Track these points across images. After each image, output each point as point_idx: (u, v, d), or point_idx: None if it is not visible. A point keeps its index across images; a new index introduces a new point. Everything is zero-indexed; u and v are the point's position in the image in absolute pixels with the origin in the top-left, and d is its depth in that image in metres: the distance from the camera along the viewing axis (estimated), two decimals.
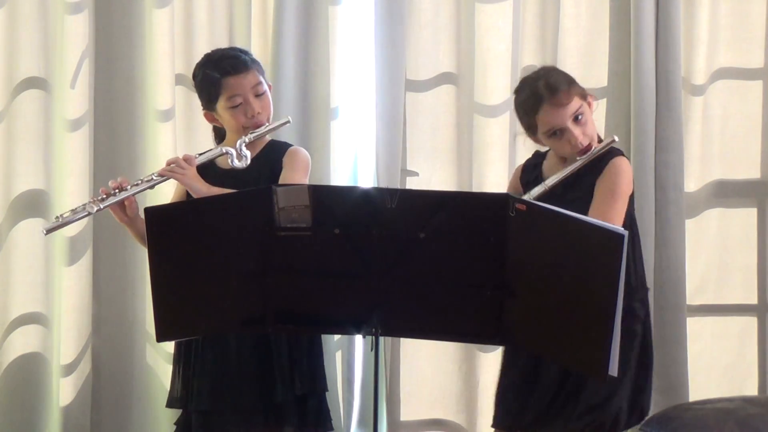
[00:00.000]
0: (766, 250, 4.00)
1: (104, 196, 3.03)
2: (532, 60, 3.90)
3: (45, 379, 3.93)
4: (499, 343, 3.05)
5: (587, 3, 3.93)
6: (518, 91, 3.18)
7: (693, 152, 3.94)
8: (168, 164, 3.08)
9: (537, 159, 3.26)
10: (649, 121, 3.83)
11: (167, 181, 3.11)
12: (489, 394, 3.89)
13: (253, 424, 3.07)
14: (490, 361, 3.89)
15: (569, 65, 3.88)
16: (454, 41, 3.94)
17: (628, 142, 3.87)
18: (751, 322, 4.02)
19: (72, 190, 3.85)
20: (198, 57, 3.87)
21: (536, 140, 3.18)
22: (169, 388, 3.19)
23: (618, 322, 2.39)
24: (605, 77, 3.92)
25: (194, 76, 3.23)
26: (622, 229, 2.41)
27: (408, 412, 3.95)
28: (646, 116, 3.83)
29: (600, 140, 3.15)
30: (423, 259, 2.63)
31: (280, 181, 3.05)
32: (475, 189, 3.86)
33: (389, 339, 3.81)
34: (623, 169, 3.09)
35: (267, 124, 3.14)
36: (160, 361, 3.91)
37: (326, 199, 2.67)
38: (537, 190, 3.11)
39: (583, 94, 3.12)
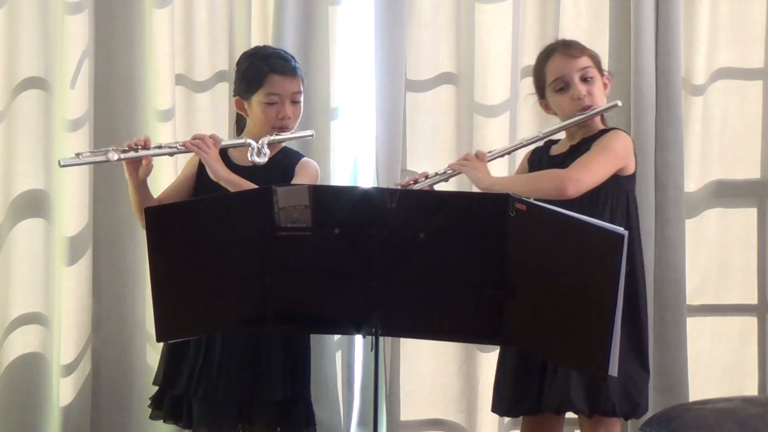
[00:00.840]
0: (766, 250, 4.00)
1: (126, 149, 3.07)
2: (532, 60, 3.87)
3: (45, 379, 3.93)
4: (499, 343, 3.05)
5: (587, 3, 3.93)
6: (540, 52, 3.28)
7: (693, 152, 3.94)
8: (194, 138, 3.13)
9: (548, 144, 3.29)
10: (649, 121, 3.83)
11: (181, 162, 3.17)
12: (489, 394, 3.90)
13: (224, 416, 3.10)
14: (490, 361, 3.88)
15: None
16: (454, 41, 3.94)
17: None
18: (751, 322, 4.02)
19: (72, 190, 3.84)
20: (198, 57, 3.92)
21: (545, 105, 3.23)
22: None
23: (618, 322, 2.40)
24: (609, 73, 3.92)
25: (239, 63, 3.29)
26: (622, 229, 2.41)
27: (408, 412, 3.95)
28: (646, 116, 3.83)
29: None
30: (423, 259, 2.63)
31: None
32: (475, 189, 3.86)
33: (389, 339, 3.81)
34: (622, 138, 3.14)
35: (292, 131, 3.20)
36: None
37: (326, 199, 2.67)
38: (530, 138, 3.21)
39: (598, 64, 3.20)
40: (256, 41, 3.84)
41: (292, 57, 3.31)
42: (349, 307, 2.70)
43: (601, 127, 3.20)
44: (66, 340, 3.86)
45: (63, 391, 3.85)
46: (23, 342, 3.94)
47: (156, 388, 3.26)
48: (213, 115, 3.91)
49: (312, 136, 3.31)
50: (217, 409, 3.10)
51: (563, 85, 3.15)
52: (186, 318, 2.73)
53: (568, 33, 3.88)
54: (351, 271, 2.66)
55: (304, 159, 3.25)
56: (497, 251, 2.57)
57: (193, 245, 2.69)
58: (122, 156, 3.07)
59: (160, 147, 3.12)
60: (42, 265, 3.94)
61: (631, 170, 3.15)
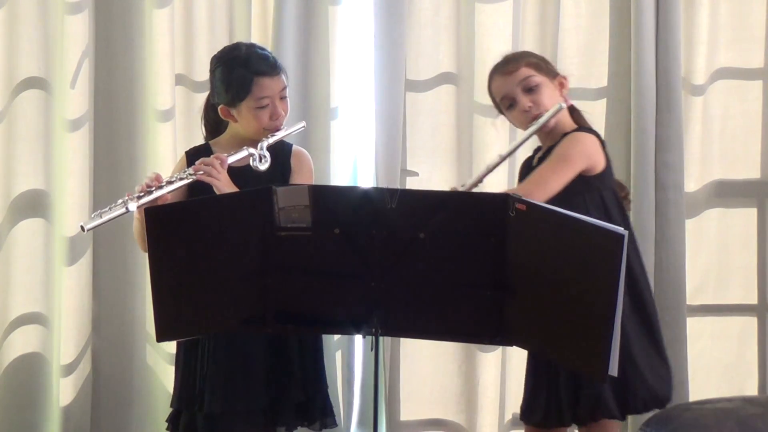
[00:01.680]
0: (766, 250, 4.00)
1: (141, 194, 2.95)
2: None
3: (45, 379, 3.93)
4: (499, 343, 3.06)
5: (587, 3, 3.94)
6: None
7: (693, 152, 3.94)
8: (204, 164, 3.00)
9: (535, 152, 3.29)
10: (649, 121, 3.84)
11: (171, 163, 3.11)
12: (489, 394, 3.91)
13: (262, 424, 3.06)
14: (490, 361, 3.90)
15: (569, 65, 3.88)
16: (454, 41, 3.94)
17: (628, 142, 3.87)
18: (751, 322, 4.02)
19: (72, 190, 3.85)
20: (198, 57, 3.91)
21: (509, 120, 3.25)
22: (172, 389, 3.17)
23: (618, 322, 2.39)
24: (605, 77, 3.93)
25: (213, 69, 3.16)
26: (622, 229, 2.40)
27: (408, 412, 3.95)
28: (646, 116, 3.83)
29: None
30: (423, 259, 2.63)
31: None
32: (475, 189, 3.87)
33: (389, 339, 3.81)
34: (579, 140, 3.10)
35: (285, 127, 3.13)
36: (160, 361, 3.91)
37: (326, 199, 2.67)
38: (493, 161, 3.20)
39: (543, 69, 3.17)
40: (256, 41, 3.83)
41: (269, 52, 3.21)
42: (349, 307, 2.70)
43: (571, 128, 3.15)
44: (66, 340, 3.86)
45: (63, 391, 3.86)
46: (23, 342, 3.95)
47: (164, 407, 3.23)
48: None
49: (304, 127, 3.22)
50: (245, 418, 3.05)
51: (510, 102, 3.16)
52: (186, 318, 2.73)
53: (568, 33, 3.90)
54: (351, 271, 2.66)
55: (296, 149, 3.18)
56: (497, 251, 2.57)
57: (193, 245, 2.69)
58: (140, 203, 2.91)
59: (171, 182, 2.98)
60: (42, 265, 3.94)
61: (599, 169, 3.09)
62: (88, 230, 2.98)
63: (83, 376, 3.89)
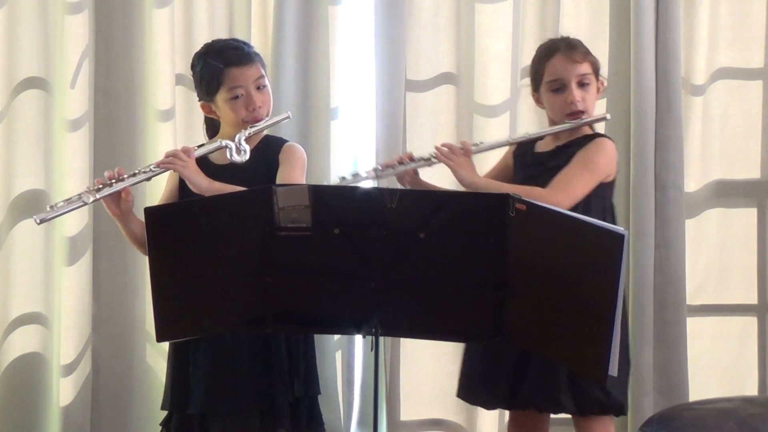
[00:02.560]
0: (766, 250, 4.00)
1: (100, 186, 2.95)
2: (531, 60, 3.90)
3: (45, 379, 3.93)
4: (499, 343, 3.04)
5: (587, 3, 3.94)
6: (541, 45, 3.27)
7: (693, 152, 3.94)
8: (167, 156, 3.02)
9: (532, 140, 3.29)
10: (649, 121, 3.84)
11: (164, 175, 3.08)
12: None
13: (248, 426, 3.04)
14: None
15: None
16: (454, 41, 3.94)
17: (628, 142, 3.87)
18: (751, 322, 4.02)
19: (72, 190, 3.82)
20: None
21: (537, 98, 3.23)
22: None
23: (618, 322, 2.39)
24: (605, 77, 3.92)
25: (193, 65, 3.16)
26: (622, 229, 2.41)
27: (408, 412, 3.95)
28: (646, 116, 3.83)
29: None
30: (423, 259, 2.63)
31: (278, 179, 3.01)
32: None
33: (389, 339, 3.81)
34: (606, 148, 3.12)
35: (267, 118, 3.10)
36: (160, 361, 3.90)
37: (326, 199, 2.67)
38: (518, 137, 3.22)
39: (597, 71, 3.18)
40: (256, 41, 3.84)
41: (245, 43, 3.19)
42: (349, 307, 2.70)
43: (589, 130, 3.19)
44: (66, 340, 3.86)
45: (63, 391, 3.86)
46: (23, 342, 3.95)
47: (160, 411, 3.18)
48: None
49: (288, 118, 3.17)
50: (239, 419, 3.05)
51: (559, 86, 3.14)
52: (186, 318, 2.73)
53: (568, 33, 3.86)
54: (351, 271, 2.66)
55: (288, 144, 3.14)
56: (497, 251, 2.57)
57: (193, 245, 2.69)
58: (98, 195, 2.93)
59: (134, 174, 2.98)
60: (42, 265, 3.94)
61: (611, 178, 3.15)
62: (41, 222, 2.97)
63: (83, 376, 3.89)
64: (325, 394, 3.83)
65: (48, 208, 3.00)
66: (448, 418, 3.97)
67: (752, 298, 4.01)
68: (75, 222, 3.84)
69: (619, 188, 3.86)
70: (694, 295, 3.96)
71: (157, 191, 3.31)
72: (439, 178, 3.93)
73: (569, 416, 3.16)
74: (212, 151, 3.08)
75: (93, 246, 3.89)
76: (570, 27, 3.90)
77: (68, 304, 3.86)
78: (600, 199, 3.10)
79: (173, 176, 3.15)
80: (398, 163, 3.19)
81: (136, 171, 3.01)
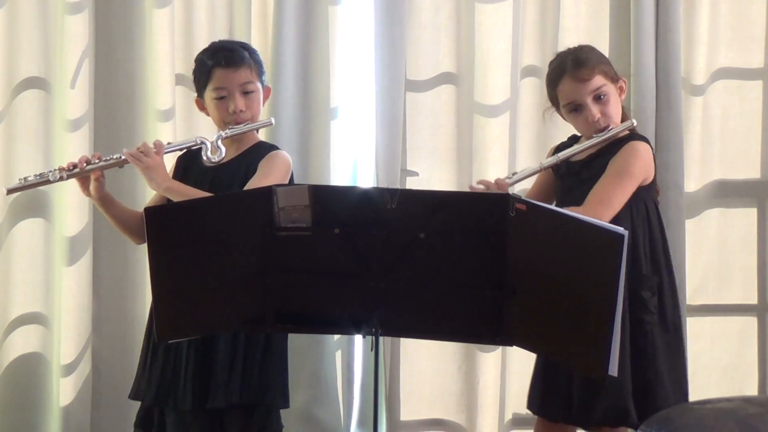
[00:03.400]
0: (766, 250, 4.00)
1: (71, 168, 3.06)
2: (532, 60, 3.91)
3: (45, 379, 3.93)
4: (499, 343, 3.06)
5: (587, 3, 3.94)
6: (550, 63, 3.19)
7: (693, 152, 3.95)
8: (137, 149, 3.07)
9: (571, 141, 3.25)
10: (649, 121, 3.84)
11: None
12: (489, 394, 3.91)
13: (192, 426, 3.05)
14: (490, 361, 3.90)
15: None
16: (454, 41, 3.94)
17: None
18: (751, 322, 4.02)
19: (72, 190, 3.82)
20: None
21: (563, 116, 3.18)
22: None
23: (618, 322, 2.39)
24: (624, 76, 3.92)
25: (195, 60, 3.25)
26: (622, 228, 2.40)
27: (408, 412, 3.95)
28: (646, 116, 3.83)
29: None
30: (423, 259, 2.62)
31: (248, 185, 3.02)
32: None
33: (389, 339, 3.81)
34: (639, 152, 3.05)
35: (250, 122, 3.12)
36: None
37: (326, 199, 2.67)
38: (549, 161, 3.14)
39: (613, 76, 3.11)
40: (256, 41, 3.84)
41: (244, 46, 3.22)
42: (349, 307, 2.70)
43: (621, 134, 3.12)
44: (66, 340, 3.86)
45: (63, 391, 3.86)
46: (23, 342, 3.95)
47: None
48: None
49: (271, 124, 3.22)
50: (187, 419, 3.06)
51: (576, 107, 3.08)
52: (186, 318, 2.73)
53: (568, 33, 3.89)
54: (351, 271, 2.66)
55: (272, 152, 3.14)
56: (497, 251, 2.57)
57: (193, 245, 2.68)
58: (65, 174, 3.04)
59: (106, 160, 3.06)
60: (42, 265, 3.94)
61: (650, 180, 3.09)
62: (8, 192, 3.18)
63: (83, 376, 3.89)
64: (325, 394, 3.84)
65: (18, 180, 3.14)
66: (448, 418, 3.97)
67: (752, 298, 4.01)
68: (75, 222, 3.84)
69: None
70: (694, 295, 3.96)
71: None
72: (439, 181, 3.95)
73: None
74: (186, 147, 3.16)
75: (93, 246, 3.89)
76: (570, 27, 3.91)
77: (68, 304, 3.86)
78: (641, 202, 3.05)
79: (169, 169, 3.19)
80: None
81: (108, 158, 3.08)
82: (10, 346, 3.94)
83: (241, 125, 3.10)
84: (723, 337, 4.01)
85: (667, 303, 3.08)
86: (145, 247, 2.69)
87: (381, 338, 2.68)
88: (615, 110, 3.09)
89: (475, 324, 2.68)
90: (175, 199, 2.99)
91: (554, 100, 3.16)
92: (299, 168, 3.86)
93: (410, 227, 2.61)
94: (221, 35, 3.90)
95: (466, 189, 3.45)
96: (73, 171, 3.06)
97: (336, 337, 3.89)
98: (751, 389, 3.99)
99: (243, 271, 2.69)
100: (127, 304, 3.94)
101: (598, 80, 3.07)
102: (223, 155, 3.08)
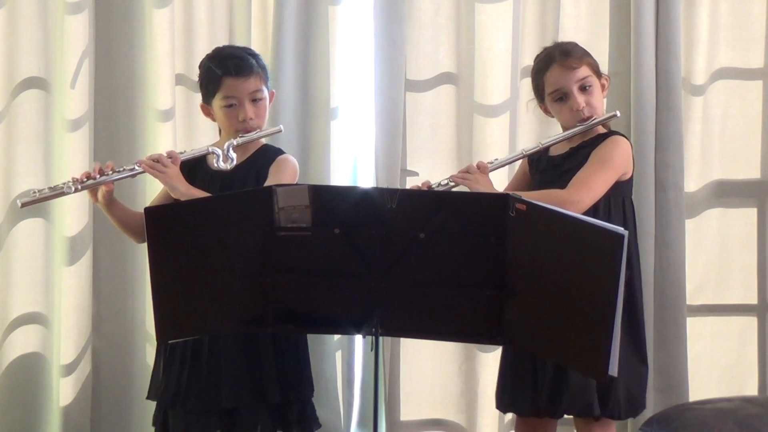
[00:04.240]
0: (766, 250, 4.00)
1: (85, 180, 3.07)
2: (532, 60, 3.88)
3: (45, 379, 3.93)
4: (499, 343, 3.05)
5: (587, 3, 3.94)
6: (537, 56, 3.28)
7: (693, 152, 3.95)
8: (151, 159, 3.10)
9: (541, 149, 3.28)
10: (649, 121, 3.84)
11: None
12: (489, 394, 3.90)
13: (233, 425, 3.06)
14: (490, 361, 3.89)
15: None
16: (454, 41, 3.94)
17: None
18: (751, 322, 4.02)
19: None
20: (198, 57, 3.88)
21: (544, 109, 3.25)
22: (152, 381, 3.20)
23: (618, 322, 2.39)
24: (608, 74, 3.92)
25: (200, 66, 3.26)
26: (622, 229, 2.41)
27: (408, 412, 3.95)
28: (646, 116, 3.83)
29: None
30: (423, 259, 2.63)
31: None
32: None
33: (389, 339, 3.81)
34: (621, 145, 3.13)
35: (258, 130, 3.15)
36: None
37: (326, 199, 2.67)
38: (531, 148, 3.22)
39: (597, 70, 3.20)
40: (256, 41, 3.84)
41: (252, 53, 3.24)
42: (349, 307, 2.70)
43: (602, 129, 3.20)
44: (66, 340, 3.86)
45: (63, 391, 3.86)
46: (23, 342, 3.94)
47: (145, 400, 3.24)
48: None
49: (280, 131, 3.25)
50: (198, 419, 3.06)
51: (562, 96, 3.16)
52: (186, 318, 2.73)
53: (568, 33, 3.89)
54: (351, 271, 2.66)
55: (281, 157, 3.18)
56: (497, 251, 2.57)
57: (193, 245, 2.69)
58: (80, 186, 3.06)
59: (119, 171, 3.09)
60: (42, 265, 3.94)
61: (629, 175, 3.16)
62: (23, 206, 3.14)
63: (83, 376, 3.89)
64: (325, 394, 3.84)
65: (32, 193, 3.13)
66: (448, 418, 3.97)
67: (752, 298, 4.01)
68: (75, 222, 3.84)
69: None
70: (694, 295, 3.96)
71: (155, 189, 3.35)
72: (439, 180, 3.94)
73: (570, 417, 3.18)
74: (199, 156, 3.17)
75: (93, 246, 3.89)
76: (570, 27, 3.91)
77: (68, 304, 3.86)
78: (619, 198, 3.11)
79: None
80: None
81: (121, 169, 3.10)
82: (10, 346, 3.94)
83: (252, 133, 3.14)
84: (723, 337, 4.01)
85: (637, 298, 3.13)
86: (145, 247, 2.69)
87: (381, 338, 2.68)
88: (598, 102, 3.17)
89: (475, 324, 2.68)
90: None
91: (539, 90, 3.23)
92: (299, 168, 3.86)
93: (410, 227, 2.61)
94: (221, 35, 3.90)
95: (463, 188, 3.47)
96: (86, 182, 3.07)
97: (336, 337, 3.89)
98: (751, 389, 3.99)
99: (243, 271, 2.70)
100: (127, 304, 3.94)
101: (585, 70, 3.16)
102: (234, 163, 3.10)
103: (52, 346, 3.92)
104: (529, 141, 3.92)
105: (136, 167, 3.10)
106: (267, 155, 3.18)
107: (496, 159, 3.27)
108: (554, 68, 3.16)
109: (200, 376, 3.05)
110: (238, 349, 3.05)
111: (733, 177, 4.00)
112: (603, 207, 3.07)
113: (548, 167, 3.21)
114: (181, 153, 3.15)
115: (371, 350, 2.70)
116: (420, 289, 2.66)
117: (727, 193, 3.99)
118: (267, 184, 3.07)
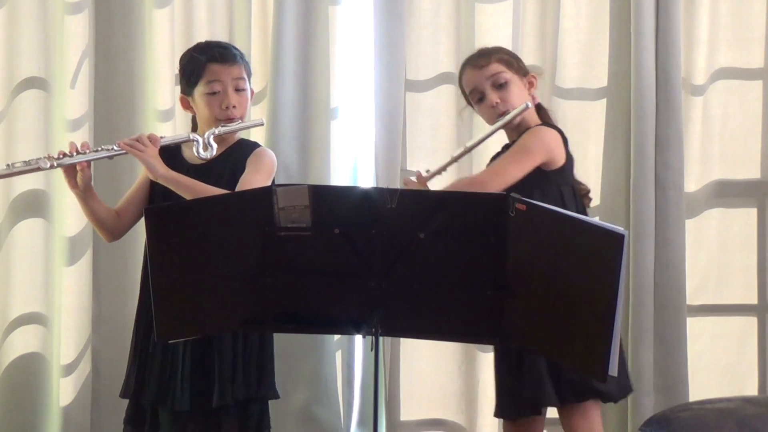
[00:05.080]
0: (766, 250, 4.00)
1: (61, 156, 3.04)
2: (532, 60, 3.90)
3: (45, 379, 3.93)
4: (499, 343, 3.06)
5: (587, 3, 3.94)
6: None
7: (693, 152, 3.94)
8: (131, 139, 3.08)
9: (504, 149, 3.33)
10: (649, 121, 3.84)
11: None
12: (489, 394, 3.90)
13: (190, 426, 3.05)
14: (490, 361, 3.87)
15: (569, 65, 3.89)
16: (454, 41, 3.94)
17: (628, 142, 3.87)
18: (751, 322, 4.02)
19: None
20: None
21: (480, 114, 3.32)
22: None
23: (618, 322, 2.40)
24: (605, 77, 3.93)
25: (181, 59, 3.25)
26: (622, 228, 2.41)
27: (408, 412, 3.95)
28: (646, 116, 3.83)
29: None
30: (423, 259, 2.63)
31: (240, 183, 3.04)
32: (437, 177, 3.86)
33: (389, 339, 3.81)
34: (541, 133, 3.17)
35: (240, 121, 3.13)
36: None
37: (326, 199, 2.67)
38: (458, 151, 3.30)
39: (514, 67, 3.24)
40: (256, 41, 3.84)
41: (235, 48, 3.26)
42: (349, 307, 2.70)
43: (536, 123, 3.23)
44: (66, 340, 3.86)
45: (63, 391, 3.86)
46: (23, 342, 3.94)
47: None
48: None
49: (262, 124, 3.27)
50: (182, 418, 3.06)
51: (480, 95, 3.23)
52: (186, 318, 2.73)
53: (568, 33, 3.90)
54: (351, 271, 2.66)
55: (258, 149, 3.17)
56: (497, 251, 2.57)
57: (193, 245, 2.69)
58: (54, 163, 3.02)
59: (97, 150, 3.07)
60: (42, 265, 3.94)
61: (558, 163, 3.17)
62: None
63: (83, 376, 3.89)
64: (325, 394, 3.84)
65: (5, 166, 3.12)
66: (448, 418, 3.97)
67: (752, 298, 4.01)
68: (75, 222, 3.84)
69: (619, 188, 3.88)
70: (694, 295, 3.96)
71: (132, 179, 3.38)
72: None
73: (556, 417, 3.18)
74: (179, 142, 3.16)
75: (93, 246, 3.89)
76: (570, 27, 3.91)
77: (68, 304, 3.86)
78: (553, 186, 3.13)
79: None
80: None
81: (99, 148, 3.08)
82: (10, 346, 3.94)
83: (233, 124, 3.12)
84: (723, 337, 4.01)
85: None
86: (144, 247, 2.69)
87: (381, 338, 2.68)
88: (517, 98, 3.21)
89: (475, 324, 2.68)
90: (177, 189, 3.01)
91: (464, 96, 3.32)
92: (299, 168, 3.86)
93: (410, 227, 2.61)
94: (221, 35, 3.90)
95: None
96: (62, 159, 3.04)
97: (336, 337, 3.89)
98: (751, 389, 3.99)
99: (243, 271, 2.70)
100: (127, 304, 3.93)
101: (496, 67, 3.22)
102: (215, 152, 3.09)
103: (51, 346, 3.91)
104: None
105: (115, 147, 3.07)
106: (243, 148, 3.17)
107: (428, 170, 3.30)
108: (467, 70, 3.27)
109: (161, 375, 3.06)
110: (191, 348, 3.04)
111: (733, 177, 3.99)
112: (538, 196, 3.04)
113: (491, 163, 3.30)
114: (162, 138, 3.13)
115: (371, 350, 2.70)
116: (420, 289, 2.66)
117: (727, 193, 3.99)
118: (245, 176, 3.05)
